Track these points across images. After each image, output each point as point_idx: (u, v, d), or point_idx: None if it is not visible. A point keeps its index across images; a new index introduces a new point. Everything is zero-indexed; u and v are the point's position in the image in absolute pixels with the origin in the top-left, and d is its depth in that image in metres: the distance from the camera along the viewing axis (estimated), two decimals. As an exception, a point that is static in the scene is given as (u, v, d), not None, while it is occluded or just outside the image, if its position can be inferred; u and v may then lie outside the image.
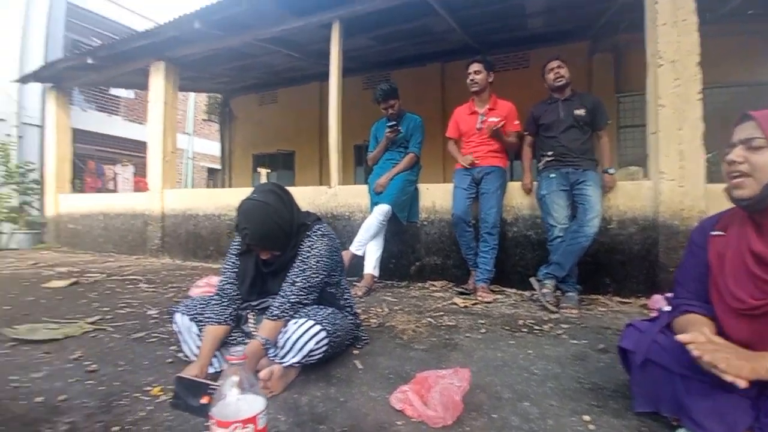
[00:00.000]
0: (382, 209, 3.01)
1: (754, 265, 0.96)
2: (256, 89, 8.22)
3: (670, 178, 2.67)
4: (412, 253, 3.50)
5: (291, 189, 1.57)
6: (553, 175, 2.73)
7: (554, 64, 2.80)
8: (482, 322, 2.21)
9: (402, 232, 3.42)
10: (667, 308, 1.22)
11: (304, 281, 1.39)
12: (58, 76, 6.15)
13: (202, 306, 1.47)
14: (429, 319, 2.25)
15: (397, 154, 3.22)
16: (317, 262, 1.41)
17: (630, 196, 2.84)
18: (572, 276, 2.60)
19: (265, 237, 1.36)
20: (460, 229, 2.98)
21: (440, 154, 6.18)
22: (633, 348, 1.13)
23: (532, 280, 2.65)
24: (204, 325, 1.40)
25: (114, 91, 11.50)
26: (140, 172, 11.72)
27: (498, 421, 1.14)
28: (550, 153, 2.77)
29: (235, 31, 4.46)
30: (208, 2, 4.04)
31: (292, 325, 1.33)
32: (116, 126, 11.67)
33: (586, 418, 1.15)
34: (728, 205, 1.05)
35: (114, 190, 10.37)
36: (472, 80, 2.99)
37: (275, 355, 1.33)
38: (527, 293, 2.93)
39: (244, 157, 8.99)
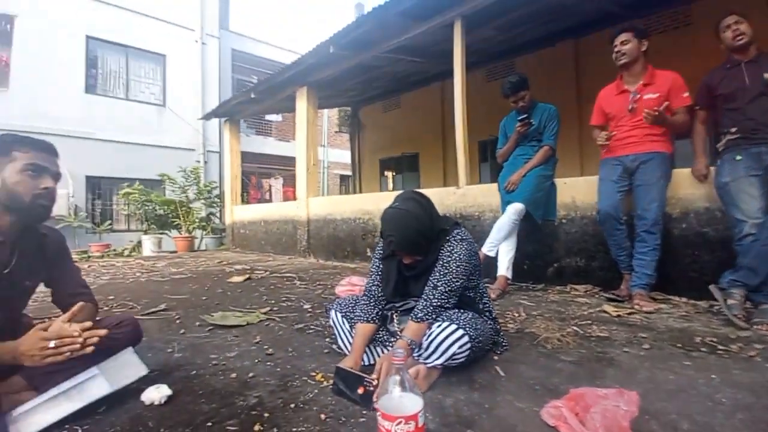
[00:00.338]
0: (516, 208, 2.86)
1: None
2: (381, 97, 8.71)
3: None
4: (549, 253, 3.23)
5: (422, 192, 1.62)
6: (738, 158, 2.19)
7: (730, 20, 2.25)
8: (644, 335, 1.91)
9: (537, 231, 3.19)
10: None
11: (445, 285, 1.42)
12: (230, 111, 7.59)
13: (352, 305, 1.64)
14: (575, 327, 2.05)
15: (529, 148, 3.02)
16: (458, 266, 1.43)
17: None
18: (768, 284, 2.05)
19: (408, 243, 1.43)
20: (609, 227, 2.62)
21: (577, 144, 5.57)
22: None
23: (713, 288, 2.17)
24: (354, 322, 1.55)
25: (268, 117, 13.64)
26: (287, 183, 13.64)
27: (679, 457, 0.97)
28: (733, 130, 2.23)
29: (362, 48, 4.82)
30: (338, 27, 4.47)
31: (436, 327, 1.37)
32: (269, 145, 13.83)
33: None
34: None
35: (270, 200, 12.30)
36: (618, 52, 2.58)
37: (419, 356, 1.39)
38: (703, 303, 2.42)
39: (372, 162, 9.62)
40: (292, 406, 1.28)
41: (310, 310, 2.61)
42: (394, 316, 1.54)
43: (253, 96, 6.44)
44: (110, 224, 9.49)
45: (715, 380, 1.39)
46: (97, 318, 1.45)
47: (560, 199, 3.16)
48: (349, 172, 11.90)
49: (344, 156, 14.50)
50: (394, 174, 9.44)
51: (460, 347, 1.35)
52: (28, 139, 1.26)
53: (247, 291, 3.33)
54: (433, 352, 1.36)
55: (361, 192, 9.31)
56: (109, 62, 10.03)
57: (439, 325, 1.37)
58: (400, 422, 0.87)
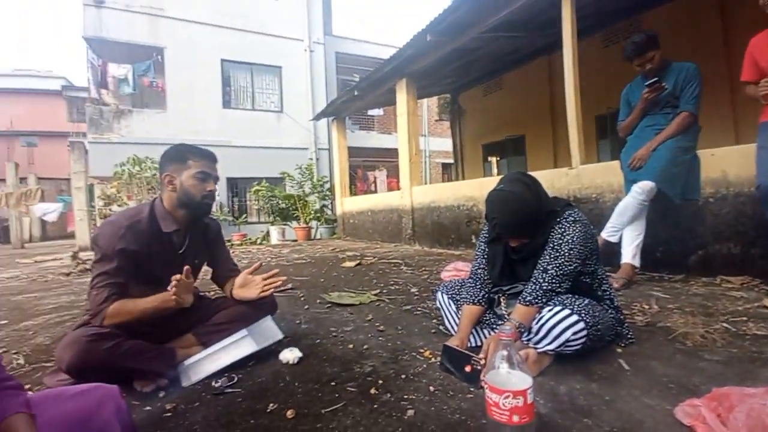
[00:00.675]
0: (644, 187, 2.49)
1: None
2: (480, 80, 8.38)
3: None
4: (691, 239, 2.76)
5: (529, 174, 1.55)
6: None
7: None
8: (826, 337, 1.53)
9: (673, 213, 2.74)
10: None
11: (556, 269, 1.35)
12: (336, 110, 8.16)
13: (458, 287, 1.66)
14: (724, 324, 1.74)
15: (661, 117, 2.60)
16: (570, 249, 1.34)
17: None
18: None
19: (514, 225, 1.39)
20: (774, 206, 2.13)
21: (728, 108, 4.60)
22: None
23: None
24: (461, 304, 1.58)
25: (370, 112, 14.26)
26: (391, 174, 14.11)
27: None
28: None
29: (459, 32, 4.70)
30: (433, 15, 4.43)
31: (547, 312, 1.32)
32: (373, 139, 14.46)
33: None
34: None
35: (375, 191, 12.91)
36: None
37: (528, 340, 1.36)
38: None
39: (474, 148, 9.35)
40: (403, 376, 1.37)
41: (416, 293, 2.72)
42: (502, 300, 1.51)
43: (356, 93, 6.81)
44: (245, 217, 11.14)
45: None
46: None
47: (705, 174, 2.65)
48: (451, 160, 11.77)
49: (445, 144, 14.36)
50: (498, 159, 9.02)
51: (575, 333, 1.27)
52: (197, 149, 1.58)
53: (359, 275, 3.59)
54: (544, 336, 1.31)
55: (463, 179, 9.14)
56: (238, 79, 11.66)
57: (551, 309, 1.31)
58: (508, 396, 0.88)
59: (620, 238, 2.63)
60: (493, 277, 1.53)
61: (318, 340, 1.81)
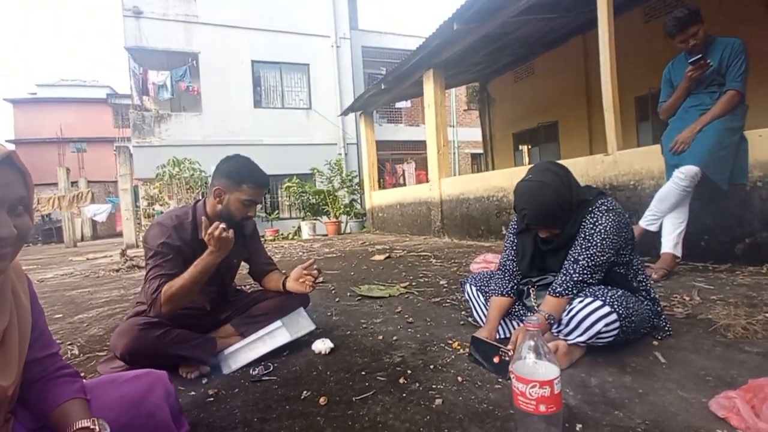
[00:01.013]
0: (687, 172, 2.34)
1: None
2: (510, 66, 8.14)
3: None
4: (738, 226, 2.59)
5: (560, 162, 1.51)
6: None
7: None
8: None
9: (719, 200, 2.58)
10: None
11: (587, 259, 1.32)
12: (364, 105, 8.19)
13: (486, 279, 1.66)
14: (767, 315, 1.64)
15: (706, 96, 2.44)
16: (603, 239, 1.31)
17: None
18: None
19: (543, 216, 1.37)
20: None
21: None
22: None
23: None
24: (489, 295, 1.58)
25: (397, 105, 14.21)
26: (419, 166, 14.03)
27: None
28: None
29: (487, 18, 4.58)
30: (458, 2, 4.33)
31: (578, 303, 1.30)
32: (400, 132, 14.41)
33: None
34: None
35: (404, 184, 12.90)
36: None
37: (559, 332, 1.34)
38: None
39: (504, 137, 9.12)
40: (431, 367, 1.40)
41: (445, 285, 2.72)
42: (531, 291, 1.50)
43: (383, 87, 6.81)
44: (278, 213, 11.46)
45: None
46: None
47: (753, 157, 2.47)
48: (480, 150, 11.56)
49: (474, 134, 14.09)
50: (529, 147, 8.77)
51: (607, 325, 1.25)
52: (255, 175, 1.58)
53: (388, 268, 3.63)
54: (575, 328, 1.29)
55: (493, 169, 8.95)
56: (268, 79, 11.93)
57: (581, 301, 1.29)
58: (535, 386, 0.89)
59: (660, 226, 2.51)
60: (523, 268, 1.52)
61: (349, 332, 1.87)
